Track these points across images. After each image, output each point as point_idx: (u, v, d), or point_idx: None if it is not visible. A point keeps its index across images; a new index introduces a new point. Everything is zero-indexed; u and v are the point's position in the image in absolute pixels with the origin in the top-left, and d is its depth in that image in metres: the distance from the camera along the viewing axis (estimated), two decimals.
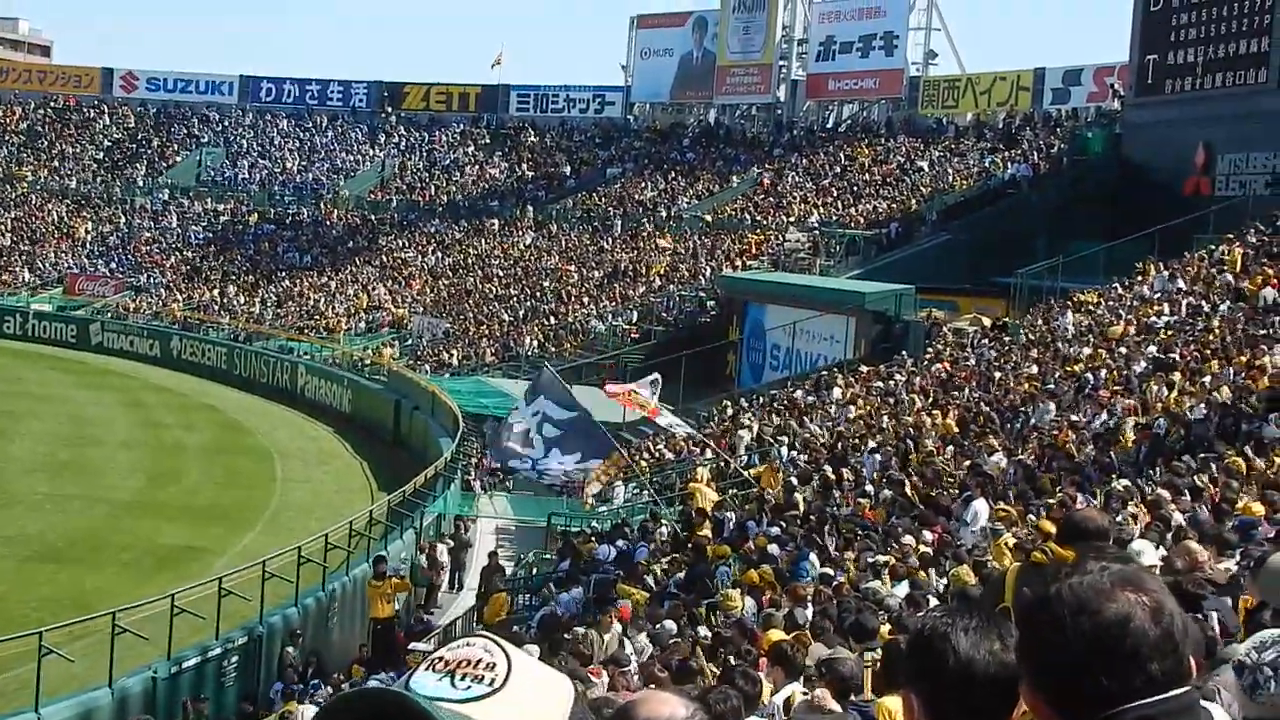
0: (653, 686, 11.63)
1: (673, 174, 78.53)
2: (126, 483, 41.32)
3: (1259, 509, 14.90)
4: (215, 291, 77.19)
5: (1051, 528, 13.35)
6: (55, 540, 34.34)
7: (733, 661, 12.91)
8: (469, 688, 1.95)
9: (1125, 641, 2.49)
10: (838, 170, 70.97)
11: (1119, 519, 16.02)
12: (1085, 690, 2.51)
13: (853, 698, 8.88)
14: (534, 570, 31.19)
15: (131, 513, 37.71)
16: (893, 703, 7.67)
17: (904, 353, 40.88)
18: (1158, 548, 12.79)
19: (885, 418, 32.35)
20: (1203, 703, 2.68)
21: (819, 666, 9.94)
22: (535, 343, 60.91)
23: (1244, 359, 25.67)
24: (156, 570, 31.59)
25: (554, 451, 26.46)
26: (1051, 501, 19.19)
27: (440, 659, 2.04)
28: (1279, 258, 34.26)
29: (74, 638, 22.81)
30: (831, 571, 18.96)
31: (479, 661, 1.99)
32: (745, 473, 31.48)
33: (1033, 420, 27.48)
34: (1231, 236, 37.66)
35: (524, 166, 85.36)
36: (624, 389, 32.57)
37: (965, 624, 3.18)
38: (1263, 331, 27.70)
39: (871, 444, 29.18)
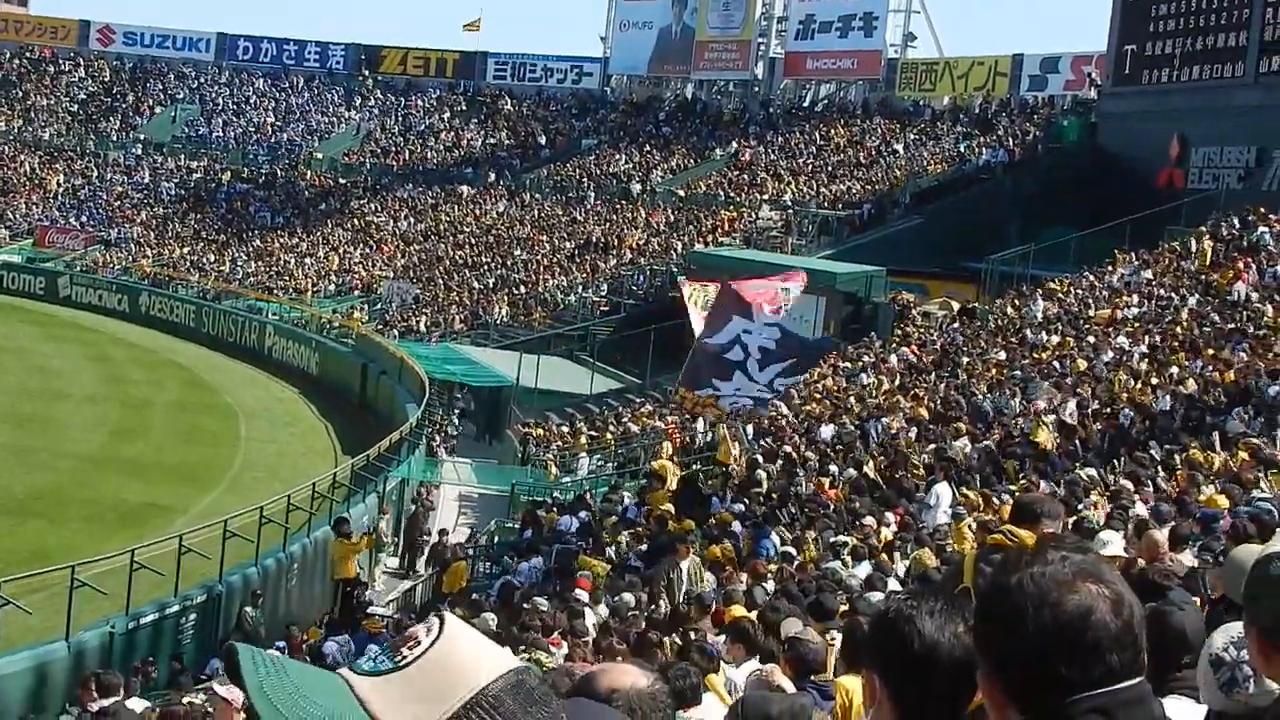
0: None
1: (648, 147, 78.32)
2: (91, 437, 41.09)
3: (1223, 501, 14.97)
4: (185, 249, 76.87)
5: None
6: (18, 493, 34.08)
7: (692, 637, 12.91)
8: (380, 663, 1.93)
9: (1087, 633, 2.48)
10: (813, 150, 70.86)
11: (1081, 507, 16.10)
12: (1044, 680, 2.50)
13: (813, 678, 8.88)
14: (495, 539, 31.19)
15: (96, 467, 37.49)
16: (851, 682, 7.68)
17: (873, 334, 40.95)
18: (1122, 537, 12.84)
19: (851, 399, 32.34)
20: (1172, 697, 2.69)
21: (783, 643, 9.94)
22: (504, 311, 60.77)
23: (1211, 352, 25.80)
24: (120, 526, 31.41)
25: (770, 368, 28.07)
26: (1014, 488, 19.24)
27: (401, 634, 2.02)
28: (1249, 252, 34.36)
29: (31, 590, 22.66)
30: (794, 550, 18.99)
31: (412, 639, 1.96)
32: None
33: (999, 406, 27.53)
34: (1203, 229, 37.80)
35: (500, 134, 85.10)
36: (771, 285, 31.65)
37: (930, 607, 3.19)
38: (1230, 325, 27.84)
39: (832, 429, 29.11)
